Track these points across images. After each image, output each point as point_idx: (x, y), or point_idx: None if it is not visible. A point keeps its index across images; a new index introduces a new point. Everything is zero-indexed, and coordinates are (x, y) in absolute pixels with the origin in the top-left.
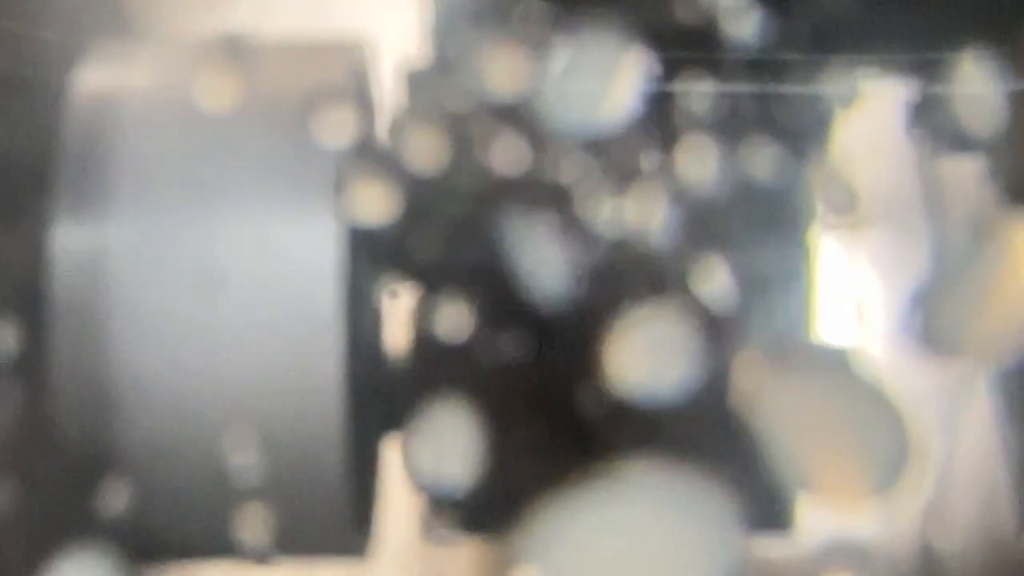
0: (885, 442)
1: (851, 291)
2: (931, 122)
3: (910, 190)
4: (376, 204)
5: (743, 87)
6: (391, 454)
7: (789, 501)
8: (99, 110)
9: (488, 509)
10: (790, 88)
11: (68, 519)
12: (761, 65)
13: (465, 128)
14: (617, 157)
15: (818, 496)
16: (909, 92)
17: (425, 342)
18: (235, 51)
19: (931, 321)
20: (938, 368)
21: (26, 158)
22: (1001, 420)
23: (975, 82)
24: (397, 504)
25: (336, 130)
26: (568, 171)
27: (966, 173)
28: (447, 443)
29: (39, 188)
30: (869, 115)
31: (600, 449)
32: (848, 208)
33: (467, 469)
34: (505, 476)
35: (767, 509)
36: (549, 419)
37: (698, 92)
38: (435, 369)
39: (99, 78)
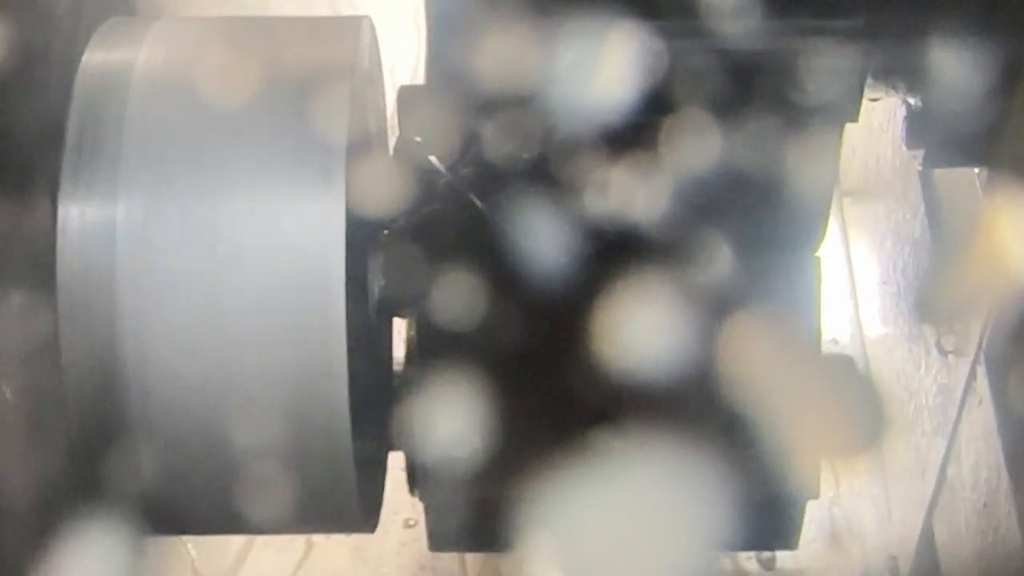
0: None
1: (849, 281)
2: (926, 130)
3: (905, 184)
4: (379, 194)
5: (742, 81)
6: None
7: (793, 519)
8: (108, 87)
9: (490, 518)
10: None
11: (77, 490)
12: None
13: (465, 119)
14: (616, 142)
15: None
16: (906, 100)
17: (427, 329)
18: (243, 31)
19: (927, 301)
20: (938, 368)
21: (37, 134)
22: (1001, 420)
23: (967, 89)
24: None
25: (341, 114)
26: (567, 156)
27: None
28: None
29: (49, 163)
30: (869, 116)
31: (601, 435)
32: (848, 199)
33: (469, 469)
34: (506, 475)
35: (771, 526)
36: (550, 413)
37: (698, 83)
38: (437, 355)
39: (109, 55)
